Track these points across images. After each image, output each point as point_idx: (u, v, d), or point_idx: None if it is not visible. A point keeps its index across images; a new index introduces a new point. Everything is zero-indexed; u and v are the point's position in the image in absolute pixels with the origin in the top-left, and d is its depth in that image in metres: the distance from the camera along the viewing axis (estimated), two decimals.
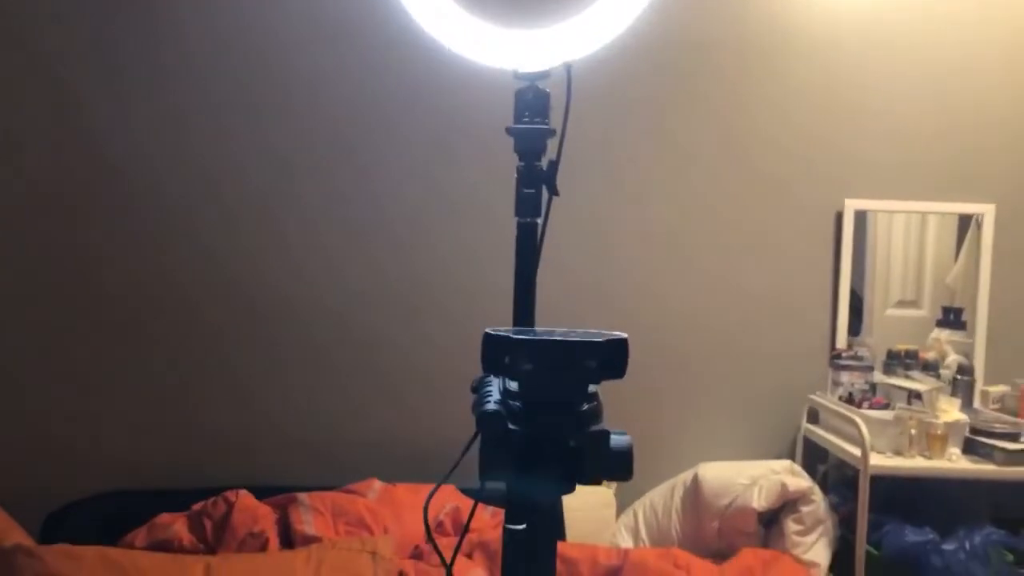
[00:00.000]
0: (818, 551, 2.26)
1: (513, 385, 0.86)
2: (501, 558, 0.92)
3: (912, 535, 2.17)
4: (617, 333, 0.85)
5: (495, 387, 0.90)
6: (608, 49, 1.06)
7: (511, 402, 0.86)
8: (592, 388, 0.87)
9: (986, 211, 2.61)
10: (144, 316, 2.52)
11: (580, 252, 2.53)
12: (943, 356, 2.62)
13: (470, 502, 2.21)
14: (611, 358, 0.84)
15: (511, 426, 0.84)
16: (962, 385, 2.47)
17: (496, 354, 0.83)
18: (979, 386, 2.53)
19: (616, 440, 0.87)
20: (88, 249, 2.51)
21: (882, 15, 2.58)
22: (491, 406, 0.86)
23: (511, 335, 0.84)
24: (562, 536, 2.31)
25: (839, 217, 2.61)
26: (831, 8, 2.58)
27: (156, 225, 2.52)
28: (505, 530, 0.89)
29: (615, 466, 0.87)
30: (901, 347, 2.59)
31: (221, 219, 2.53)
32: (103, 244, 2.51)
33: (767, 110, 2.59)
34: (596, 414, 0.88)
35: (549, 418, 0.85)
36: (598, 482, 0.88)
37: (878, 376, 2.54)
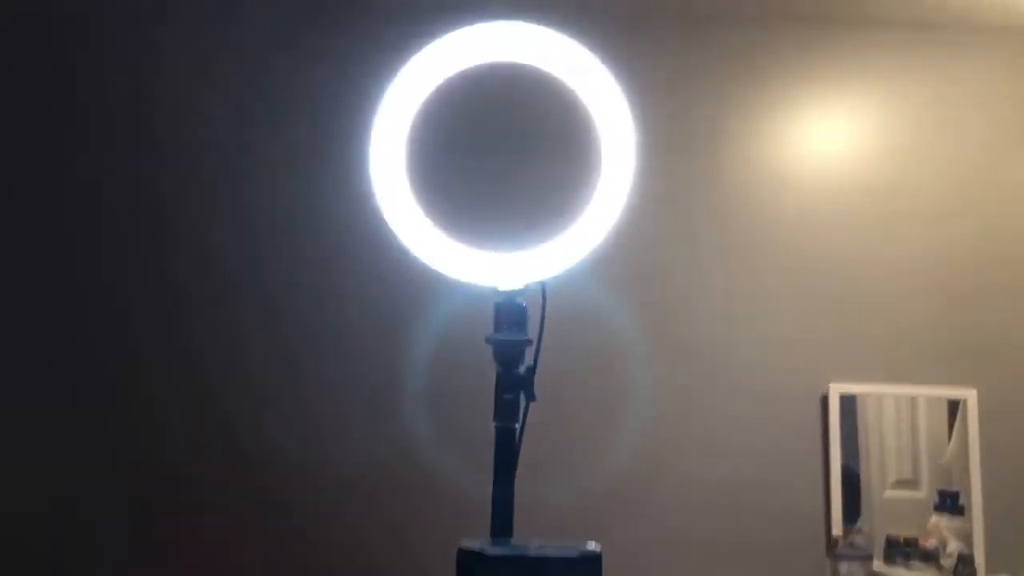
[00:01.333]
0: None
1: None
2: None
3: None
4: (591, 547, 0.86)
5: None
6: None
7: None
8: None
9: (968, 396, 2.63)
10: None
11: (565, 458, 2.53)
12: (944, 544, 2.56)
13: None
14: (585, 572, 0.84)
15: None
16: None
17: (470, 570, 0.84)
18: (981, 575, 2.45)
19: None
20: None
21: (860, 196, 2.71)
22: None
23: (483, 550, 0.84)
24: None
25: (825, 401, 2.63)
26: (809, 187, 2.72)
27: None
28: None
29: None
30: (900, 535, 2.53)
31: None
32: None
33: (745, 293, 2.67)
34: None
35: None
36: None
37: (879, 565, 2.46)
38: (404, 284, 2.47)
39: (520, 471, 1.07)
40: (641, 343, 2.64)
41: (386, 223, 1.02)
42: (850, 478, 2.64)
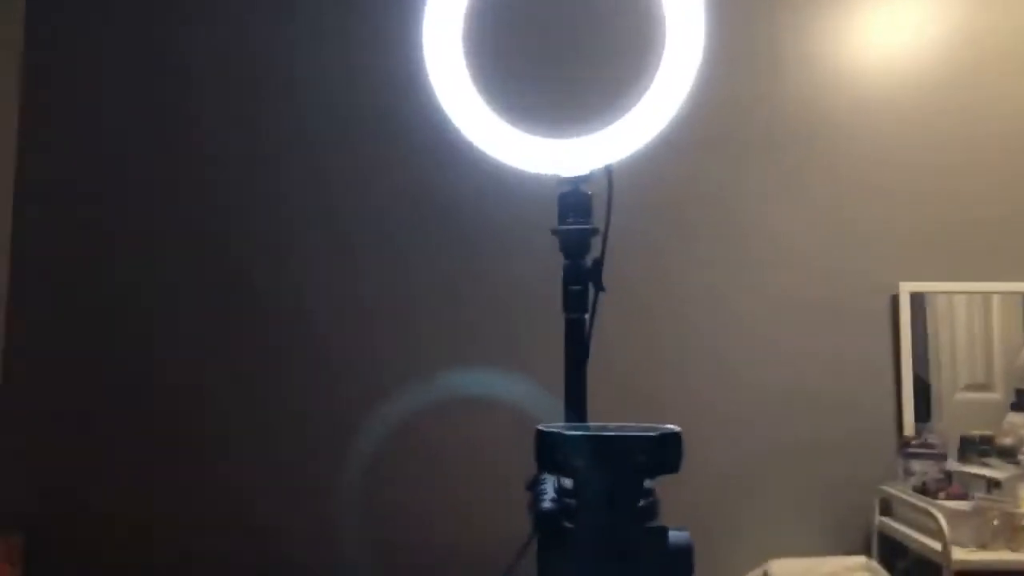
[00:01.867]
0: None
1: (568, 483, 0.87)
2: None
3: None
4: (670, 426, 0.85)
5: (550, 485, 0.90)
6: (649, 148, 1.11)
7: (566, 500, 0.86)
8: (648, 484, 0.87)
9: None
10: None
11: (632, 350, 2.52)
12: (1021, 442, 2.50)
13: None
14: (665, 452, 0.84)
15: (567, 524, 0.84)
16: None
17: (549, 451, 0.84)
18: None
19: (675, 537, 0.86)
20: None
21: (929, 89, 2.60)
22: (546, 505, 0.86)
23: (563, 431, 0.84)
24: None
25: (895, 300, 2.57)
26: (875, 81, 2.61)
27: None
28: None
29: (674, 564, 0.86)
30: (975, 433, 2.48)
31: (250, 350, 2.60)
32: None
33: (814, 194, 2.60)
34: (652, 511, 0.87)
35: (604, 516, 0.84)
36: None
37: (953, 464, 2.43)
38: (465, 176, 2.44)
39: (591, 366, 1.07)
40: (706, 240, 2.60)
41: (444, 111, 0.99)
42: (921, 380, 2.59)
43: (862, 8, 2.66)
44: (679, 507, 0.90)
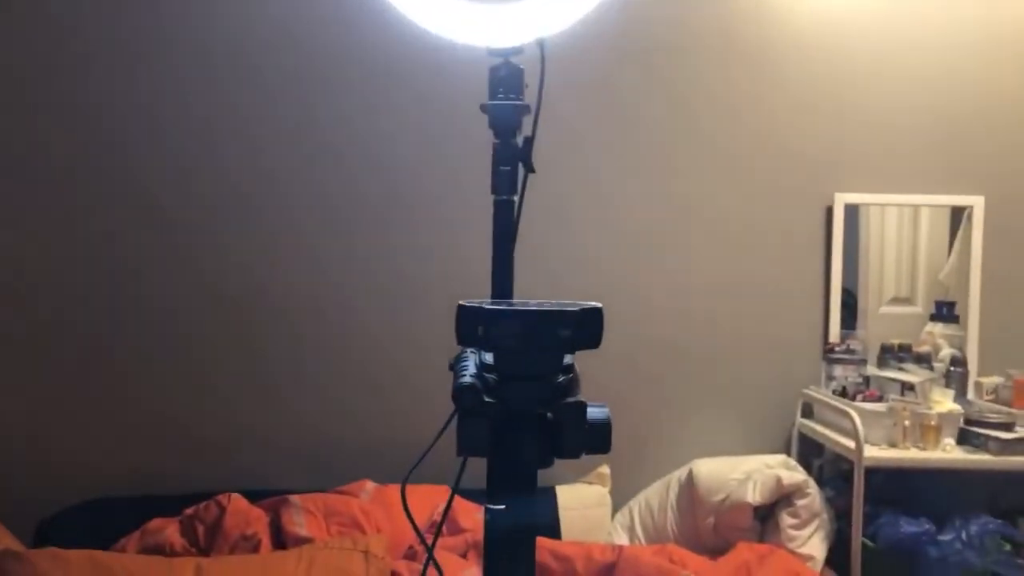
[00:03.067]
0: (814, 544, 2.24)
1: (489, 358, 0.86)
2: (483, 541, 0.91)
3: (908, 526, 2.16)
4: (592, 303, 0.85)
5: (471, 362, 0.89)
6: (585, 35, 1.07)
7: (487, 375, 0.86)
8: (568, 360, 0.87)
9: (975, 203, 2.61)
10: (126, 324, 2.51)
11: (560, 247, 2.52)
12: (937, 349, 2.61)
13: (467, 503, 2.20)
14: (586, 327, 0.84)
15: (487, 399, 0.84)
16: (956, 377, 2.47)
17: (470, 326, 0.83)
18: (973, 378, 2.52)
19: (594, 412, 0.87)
20: (78, 249, 2.51)
21: (869, 9, 2.59)
22: (467, 379, 0.85)
23: (484, 305, 0.83)
24: (557, 536, 2.29)
25: (829, 212, 2.61)
26: (817, 3, 2.59)
27: (131, 228, 2.51)
28: (486, 510, 0.88)
29: (593, 438, 0.87)
30: (894, 341, 2.58)
31: (198, 220, 2.52)
32: (88, 250, 2.51)
33: (753, 104, 2.60)
34: (573, 386, 0.87)
35: (525, 390, 0.84)
36: (576, 455, 0.86)
37: (871, 369, 2.53)
38: (388, 45, 2.35)
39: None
40: (640, 141, 2.58)
41: None
42: (848, 297, 2.67)
43: None
44: (609, 405, 0.90)
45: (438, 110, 2.48)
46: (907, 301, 2.77)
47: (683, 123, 2.59)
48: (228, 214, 2.53)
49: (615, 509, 2.50)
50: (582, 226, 2.57)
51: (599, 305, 0.84)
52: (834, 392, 2.46)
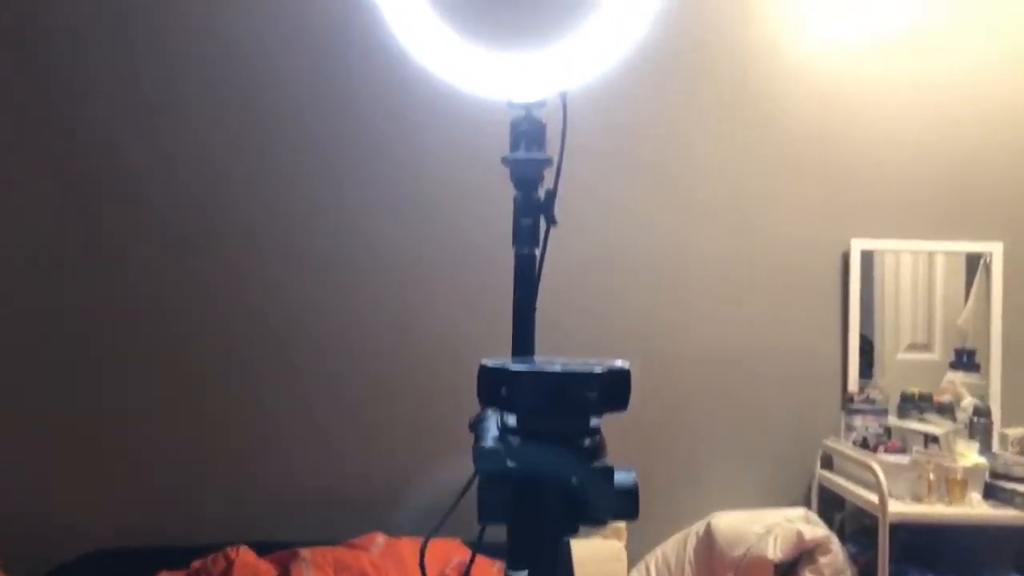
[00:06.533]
0: None
1: (512, 420, 0.83)
2: None
3: None
4: (619, 362, 0.82)
5: (493, 423, 0.86)
6: (605, 82, 1.05)
7: (510, 438, 0.82)
8: (594, 422, 0.83)
9: (994, 250, 2.58)
10: (133, 374, 2.49)
11: (581, 292, 2.49)
12: (958, 399, 2.56)
13: (483, 558, 2.14)
14: (613, 389, 0.81)
15: (509, 463, 0.81)
16: (979, 428, 2.41)
17: (493, 386, 0.80)
18: (997, 428, 2.46)
19: (621, 477, 0.83)
20: (81, 305, 2.49)
21: (884, 53, 2.59)
22: (488, 443, 0.82)
23: (507, 366, 0.80)
24: None
25: (845, 257, 2.58)
26: (832, 46, 2.59)
27: (142, 275, 2.50)
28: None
29: (620, 505, 0.83)
30: (915, 390, 2.54)
31: (208, 280, 2.51)
32: (98, 297, 2.50)
33: (771, 150, 2.58)
34: (599, 450, 0.84)
35: (549, 454, 0.81)
36: (603, 523, 0.83)
37: (892, 420, 2.48)
38: (415, 101, 2.36)
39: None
40: (660, 188, 2.57)
41: (391, 27, 0.92)
42: (866, 338, 2.63)
43: None
44: (625, 459, 0.87)
45: (458, 159, 2.47)
46: (925, 347, 2.73)
47: (699, 170, 2.58)
48: (239, 271, 2.52)
49: (631, 564, 2.43)
50: (597, 273, 2.55)
51: (626, 365, 0.81)
52: (855, 443, 2.41)
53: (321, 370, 2.51)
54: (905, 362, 2.70)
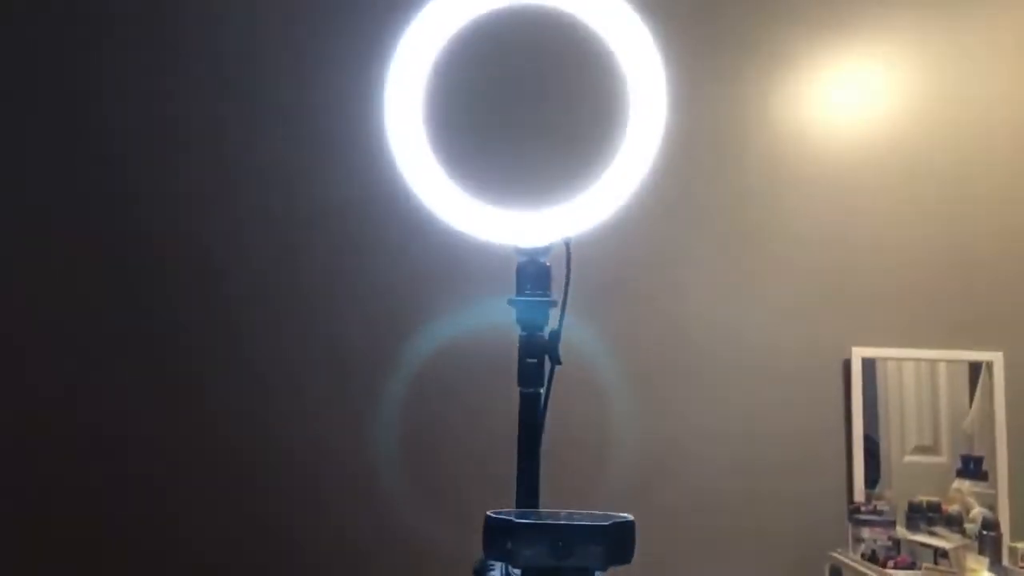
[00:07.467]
0: None
1: (516, 573, 0.83)
2: None
3: None
4: (623, 515, 0.82)
5: (498, 572, 0.86)
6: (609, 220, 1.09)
7: None
8: None
9: (994, 359, 2.58)
10: (131, 474, 2.47)
11: (584, 420, 2.48)
12: (967, 509, 2.52)
13: None
14: (618, 541, 0.81)
15: None
16: (989, 541, 2.36)
17: (498, 540, 0.80)
18: (1006, 541, 2.41)
19: None
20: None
21: (880, 160, 2.65)
22: None
23: (513, 518, 0.81)
24: None
25: (847, 365, 2.59)
26: (830, 155, 2.65)
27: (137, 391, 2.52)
28: None
29: None
30: (923, 499, 2.50)
31: (211, 369, 2.53)
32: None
33: (769, 258, 2.62)
34: None
35: None
36: None
37: (901, 531, 2.43)
38: (422, 245, 2.43)
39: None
40: (662, 307, 2.59)
41: (403, 180, 0.97)
42: (871, 444, 2.61)
43: (824, 75, 2.71)
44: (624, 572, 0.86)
45: (463, 298, 2.51)
46: (931, 450, 2.70)
47: (698, 284, 2.61)
48: (239, 368, 2.54)
49: None
50: (598, 383, 2.55)
51: (631, 518, 0.81)
52: (863, 556, 2.36)
53: (334, 472, 2.48)
54: (912, 464, 2.67)
